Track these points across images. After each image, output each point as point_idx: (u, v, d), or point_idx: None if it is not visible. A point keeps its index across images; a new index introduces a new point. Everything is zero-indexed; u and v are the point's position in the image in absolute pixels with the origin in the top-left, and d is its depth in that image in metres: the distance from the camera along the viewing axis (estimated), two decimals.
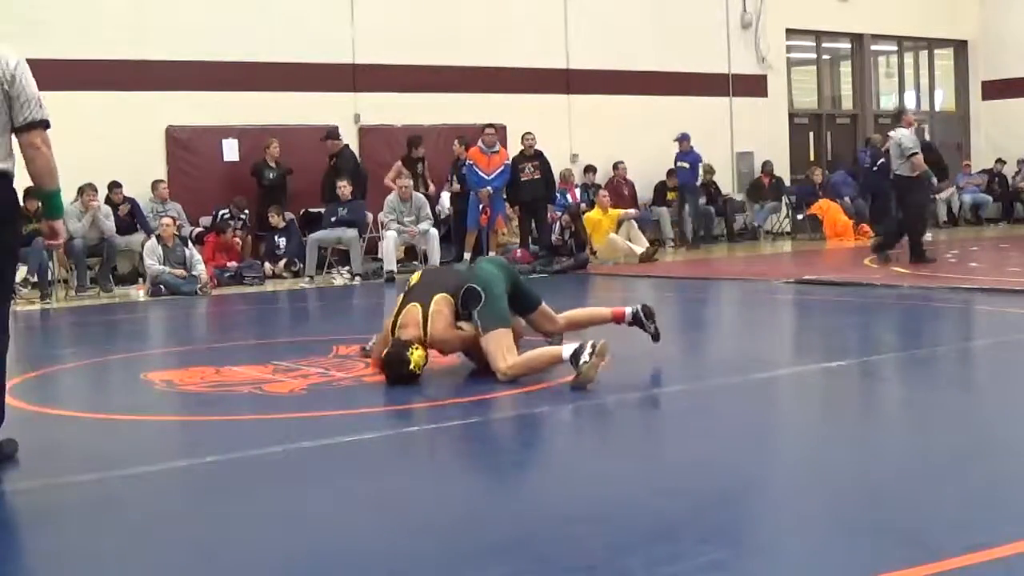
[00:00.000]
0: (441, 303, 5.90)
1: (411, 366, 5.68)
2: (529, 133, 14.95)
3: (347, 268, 13.85)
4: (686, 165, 16.87)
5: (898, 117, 13.08)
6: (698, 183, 17.31)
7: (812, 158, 20.28)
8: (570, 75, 17.25)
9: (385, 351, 5.84)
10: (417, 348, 5.74)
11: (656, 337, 6.38)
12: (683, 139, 16.83)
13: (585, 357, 5.42)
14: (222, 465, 4.37)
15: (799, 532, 3.34)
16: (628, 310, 6.42)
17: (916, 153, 12.09)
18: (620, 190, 16.93)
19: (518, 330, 6.13)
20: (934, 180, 12.42)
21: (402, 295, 6.17)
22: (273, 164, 14.40)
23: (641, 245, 14.64)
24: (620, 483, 3.96)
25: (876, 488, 3.74)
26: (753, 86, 19.01)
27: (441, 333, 5.83)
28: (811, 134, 20.70)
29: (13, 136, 4.43)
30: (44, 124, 4.42)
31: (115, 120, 13.78)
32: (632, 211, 15.61)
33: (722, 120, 18.80)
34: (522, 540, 3.30)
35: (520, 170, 14.64)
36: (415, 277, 6.35)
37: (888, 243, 12.63)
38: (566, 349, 5.59)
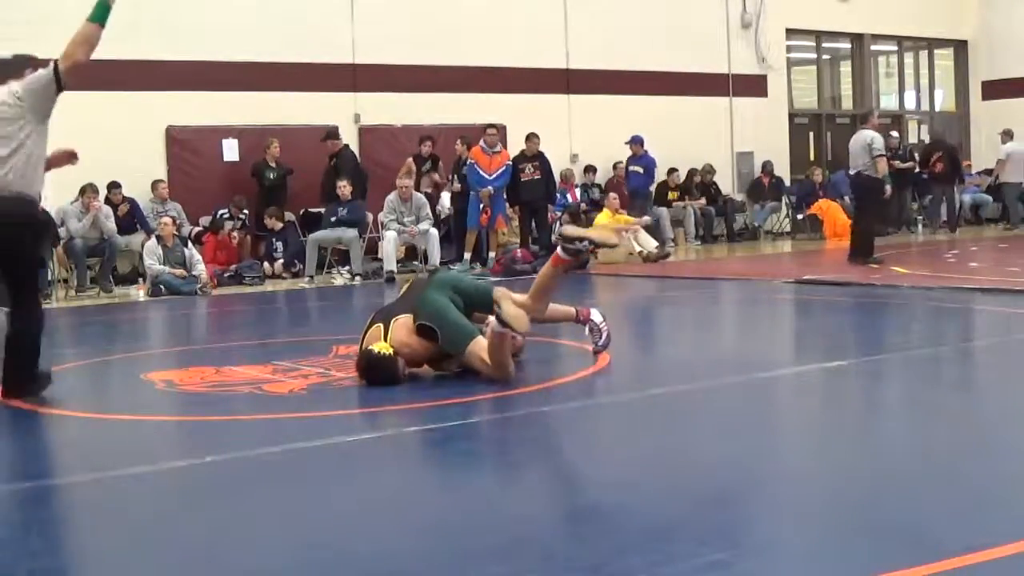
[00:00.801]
0: (403, 319, 5.96)
1: (377, 351, 5.76)
2: (533, 134, 14.96)
3: (347, 268, 13.86)
4: (639, 169, 16.20)
5: (865, 118, 13.28)
6: (652, 187, 16.60)
7: (812, 158, 20.29)
8: (570, 75, 17.25)
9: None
10: (379, 342, 5.83)
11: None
12: (635, 142, 16.16)
13: (501, 313, 5.56)
14: (222, 465, 4.37)
15: (799, 532, 3.34)
16: (559, 250, 6.27)
17: (883, 155, 12.42)
18: (620, 190, 16.93)
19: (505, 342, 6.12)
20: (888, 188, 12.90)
21: (371, 317, 6.23)
22: (273, 164, 14.41)
23: (648, 246, 14.60)
24: (621, 483, 3.96)
25: (876, 488, 3.74)
26: (753, 86, 19.01)
27: (403, 338, 5.85)
28: (811, 134, 20.72)
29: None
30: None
31: (115, 120, 13.77)
32: (645, 219, 15.38)
33: (722, 120, 18.80)
34: (523, 540, 3.30)
35: (521, 170, 14.66)
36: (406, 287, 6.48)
37: (868, 247, 12.68)
38: (493, 322, 5.73)
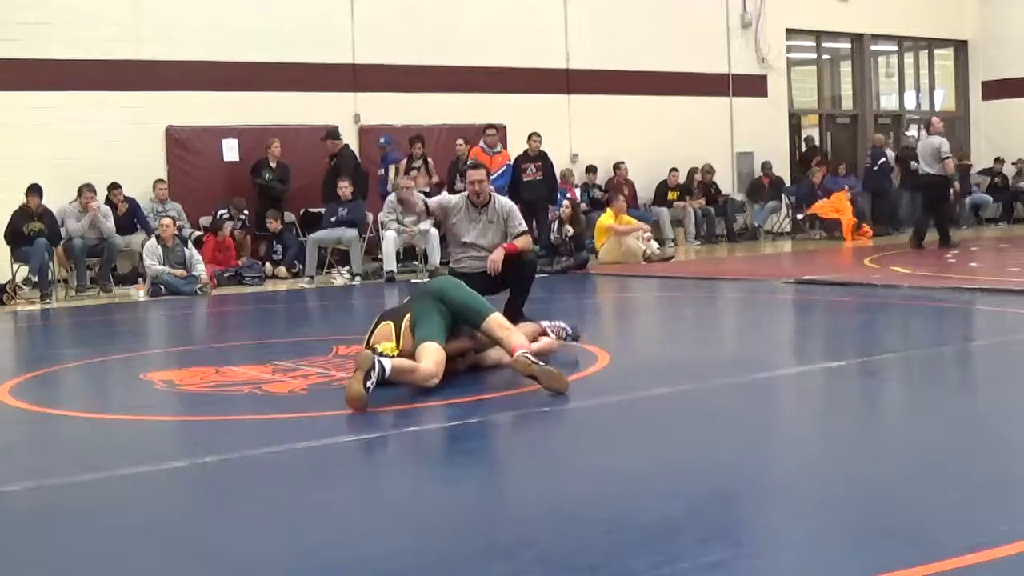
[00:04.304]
0: (407, 321, 5.97)
1: (379, 351, 5.72)
2: (536, 134, 14.95)
3: (347, 268, 13.85)
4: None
5: (928, 125, 15.15)
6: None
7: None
8: (570, 75, 17.25)
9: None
10: (388, 343, 5.82)
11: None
12: (385, 143, 14.93)
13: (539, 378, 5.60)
14: (222, 465, 4.37)
15: (799, 532, 3.34)
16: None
17: (950, 157, 14.52)
18: (620, 190, 16.93)
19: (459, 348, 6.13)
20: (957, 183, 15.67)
21: (378, 316, 6.22)
22: (274, 164, 14.40)
23: (651, 247, 14.58)
24: (621, 483, 3.96)
25: (876, 488, 3.74)
26: (753, 86, 19.02)
27: (410, 342, 5.85)
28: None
29: None
30: None
31: (115, 120, 13.80)
32: (647, 229, 15.25)
33: (722, 120, 18.81)
34: (523, 540, 3.30)
35: (523, 170, 14.66)
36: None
37: (947, 235, 14.68)
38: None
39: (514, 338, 5.84)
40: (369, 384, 5.22)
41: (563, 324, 6.95)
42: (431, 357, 5.63)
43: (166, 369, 6.94)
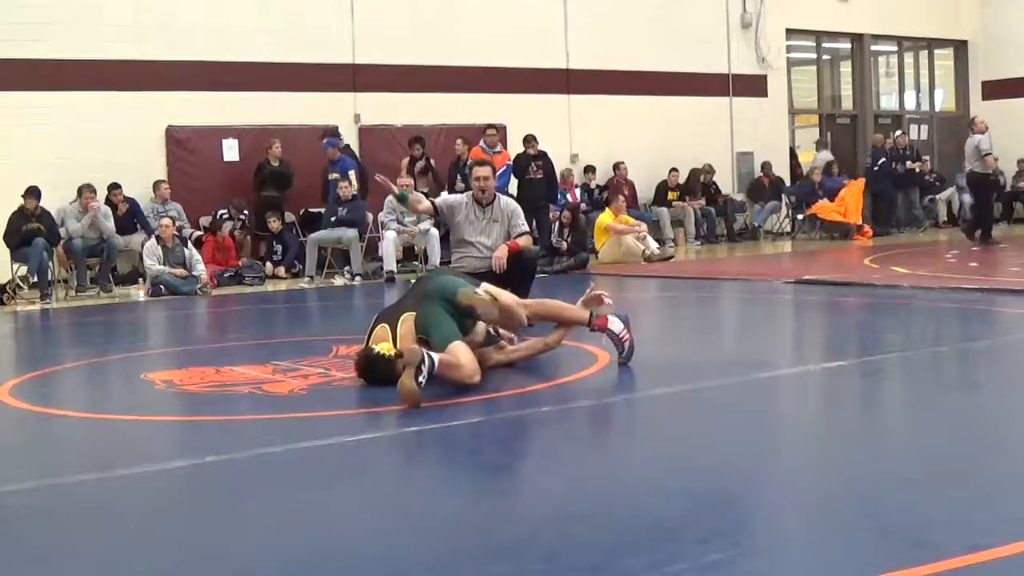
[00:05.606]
0: (408, 320, 5.93)
1: (377, 351, 5.73)
2: (531, 136, 14.97)
3: (347, 268, 13.85)
4: (337, 175, 14.16)
5: (971, 124, 15.91)
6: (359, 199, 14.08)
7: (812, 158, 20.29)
8: (570, 75, 17.25)
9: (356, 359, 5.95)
10: (383, 344, 5.80)
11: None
12: (331, 144, 14.35)
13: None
14: (222, 465, 4.37)
15: (799, 532, 3.34)
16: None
17: (990, 153, 15.15)
18: (620, 190, 16.93)
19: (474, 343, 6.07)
20: (1001, 177, 17.39)
21: (375, 318, 6.21)
22: (275, 164, 14.40)
23: (651, 247, 14.60)
24: (621, 483, 3.96)
25: (876, 488, 3.74)
26: (753, 86, 19.02)
27: (410, 342, 5.83)
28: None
29: None
30: None
31: (115, 120, 13.80)
32: (644, 229, 15.26)
33: (722, 120, 18.80)
34: (524, 540, 3.30)
35: (523, 169, 14.67)
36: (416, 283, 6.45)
37: (986, 228, 15.50)
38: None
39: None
40: (421, 379, 5.19)
41: (627, 335, 6.19)
42: (467, 355, 5.61)
43: (166, 369, 6.93)
